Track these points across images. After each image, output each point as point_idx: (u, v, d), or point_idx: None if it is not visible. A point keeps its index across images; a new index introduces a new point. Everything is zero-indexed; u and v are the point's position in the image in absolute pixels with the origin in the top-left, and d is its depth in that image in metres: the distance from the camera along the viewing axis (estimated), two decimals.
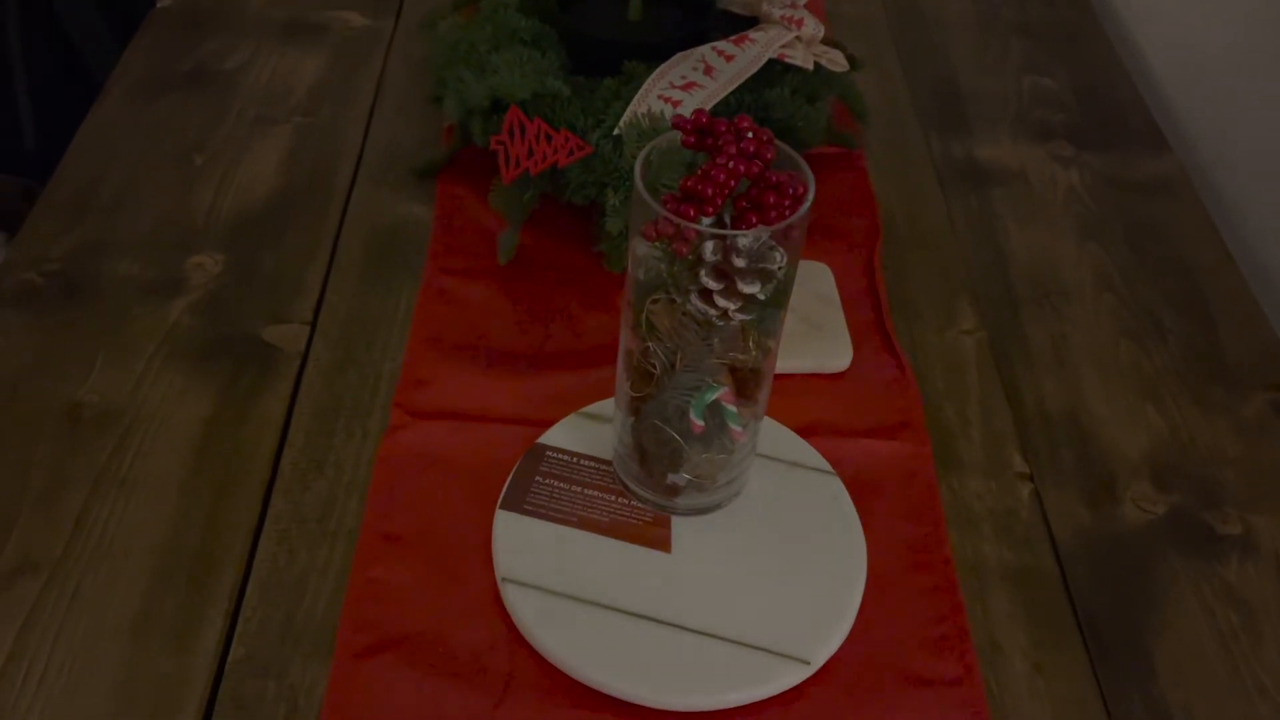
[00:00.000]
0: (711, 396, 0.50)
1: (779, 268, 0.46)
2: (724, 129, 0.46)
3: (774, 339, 0.51)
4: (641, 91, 0.69)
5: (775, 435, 0.61)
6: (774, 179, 0.45)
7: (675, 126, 0.47)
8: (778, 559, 0.55)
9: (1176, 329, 0.71)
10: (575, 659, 0.51)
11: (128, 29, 0.93)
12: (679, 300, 0.48)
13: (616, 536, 0.56)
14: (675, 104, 0.68)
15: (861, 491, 0.59)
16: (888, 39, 0.95)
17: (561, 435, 0.60)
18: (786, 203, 0.45)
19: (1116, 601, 0.56)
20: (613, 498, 0.57)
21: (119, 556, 0.55)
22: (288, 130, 0.81)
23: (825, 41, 0.76)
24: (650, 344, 0.50)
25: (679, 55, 0.72)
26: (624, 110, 0.68)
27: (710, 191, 0.44)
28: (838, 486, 0.59)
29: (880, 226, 0.76)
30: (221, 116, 0.82)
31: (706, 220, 0.45)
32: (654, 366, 0.50)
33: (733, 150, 0.45)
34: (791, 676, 0.51)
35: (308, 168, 0.78)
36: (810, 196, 0.46)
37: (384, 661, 0.51)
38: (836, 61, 0.75)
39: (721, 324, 0.48)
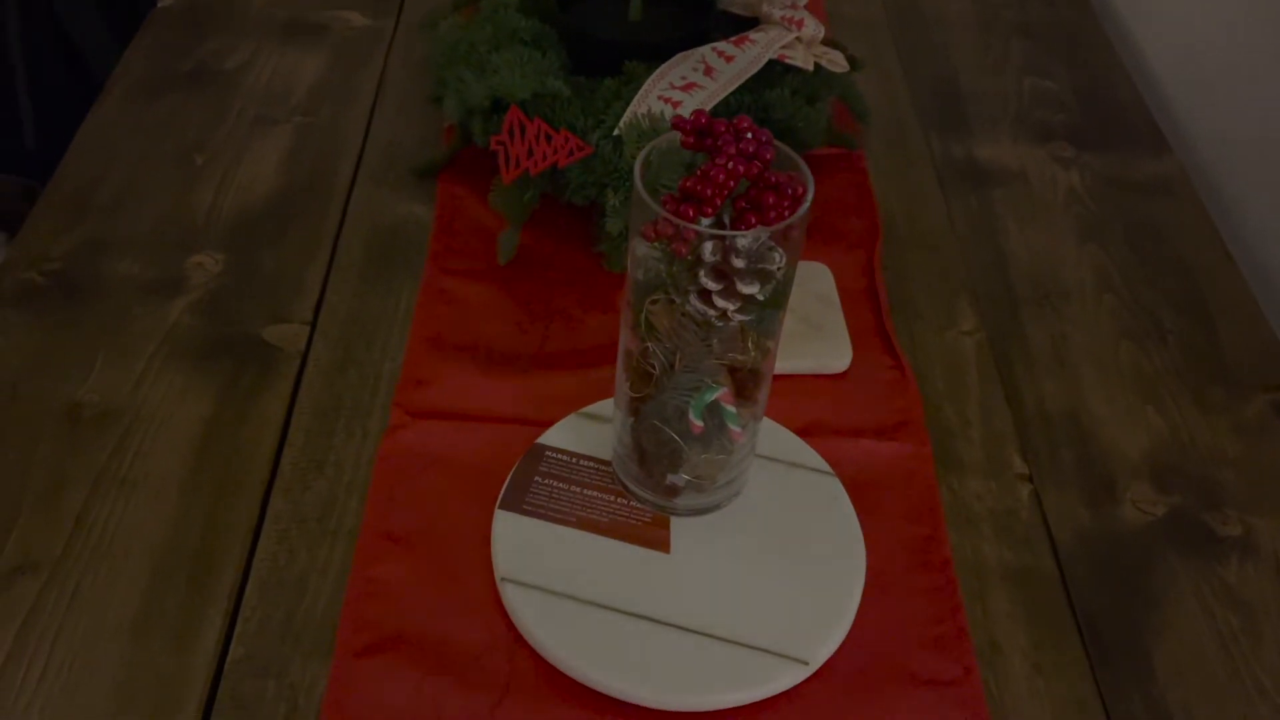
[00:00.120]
0: (711, 397, 0.50)
1: (778, 268, 0.46)
2: (723, 129, 0.46)
3: (773, 339, 0.51)
4: (641, 92, 0.69)
5: (775, 436, 0.61)
6: (773, 179, 0.45)
7: (675, 127, 0.47)
8: (777, 559, 0.55)
9: (1176, 330, 0.71)
10: (574, 659, 0.51)
11: (128, 29, 0.93)
12: (678, 301, 0.48)
13: (616, 537, 0.56)
14: (675, 104, 0.68)
15: (861, 492, 0.59)
16: (888, 39, 0.95)
17: (561, 435, 0.60)
18: (786, 203, 0.45)
19: (1116, 602, 0.56)
20: (612, 498, 0.57)
21: (119, 556, 0.55)
22: (288, 130, 0.81)
23: (825, 42, 0.76)
24: (649, 344, 0.50)
25: (679, 56, 0.72)
26: (624, 111, 0.68)
27: (709, 192, 0.45)
28: (837, 487, 0.59)
29: (880, 227, 0.76)
30: (222, 116, 0.82)
31: (706, 221, 0.45)
32: (653, 367, 0.50)
33: (732, 151, 0.45)
34: (790, 677, 0.51)
35: (308, 167, 0.78)
36: (809, 197, 0.46)
37: (383, 661, 0.51)
38: (836, 62, 0.75)
39: (720, 324, 0.48)
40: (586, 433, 0.60)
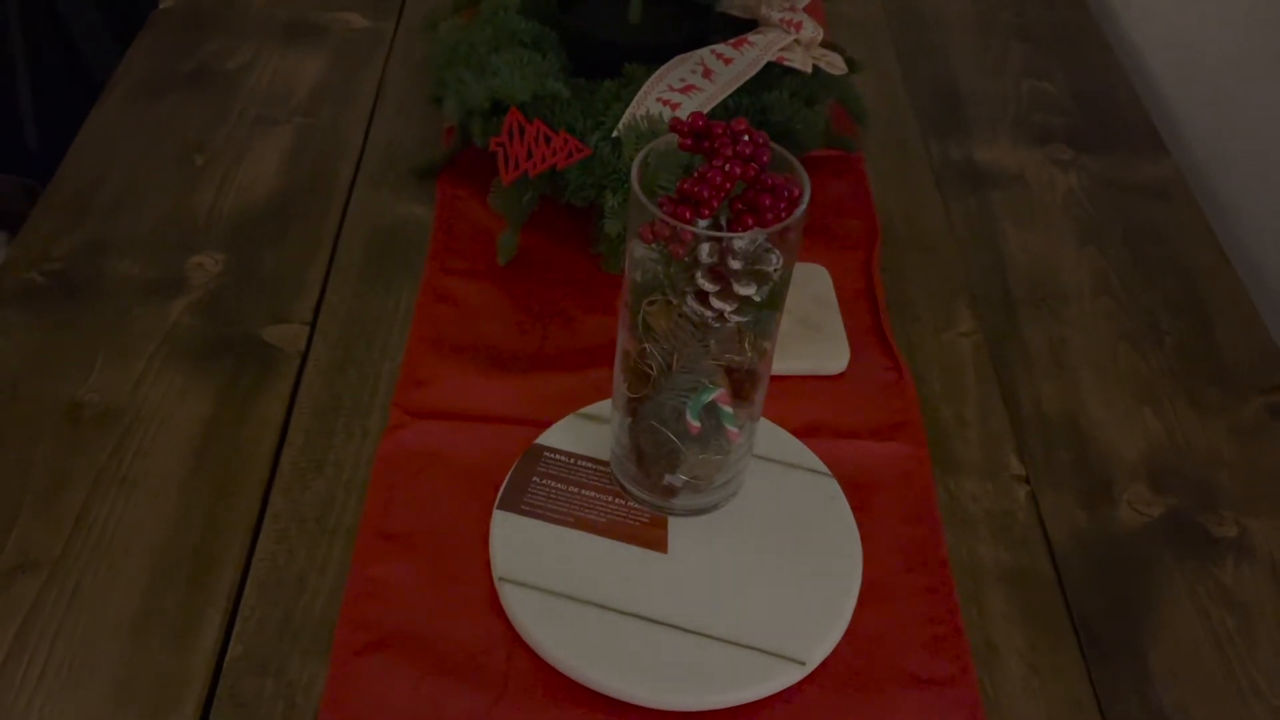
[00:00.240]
0: (708, 397, 0.51)
1: (775, 270, 0.46)
2: (720, 132, 0.46)
3: (770, 341, 0.51)
4: (640, 94, 0.69)
5: (772, 436, 0.61)
6: (770, 181, 0.45)
7: (672, 129, 0.47)
8: (774, 560, 0.56)
9: (1173, 332, 0.71)
10: (572, 658, 0.51)
11: (129, 30, 0.93)
12: (675, 302, 0.48)
13: (613, 537, 0.56)
14: (674, 106, 0.68)
15: (858, 493, 0.59)
16: (887, 41, 0.95)
17: (559, 436, 0.60)
18: (782, 205, 0.45)
19: (1112, 603, 0.57)
20: (610, 498, 0.57)
21: (119, 555, 0.55)
22: (289, 131, 0.82)
23: (824, 44, 0.77)
24: (647, 345, 0.50)
25: (678, 58, 0.72)
26: (623, 112, 0.68)
27: (706, 194, 0.45)
28: (834, 488, 0.59)
29: (879, 229, 0.76)
30: (223, 117, 0.83)
31: (703, 222, 0.46)
32: (651, 368, 0.51)
33: (729, 153, 0.45)
34: (787, 677, 0.51)
35: (308, 168, 0.79)
36: (805, 199, 0.46)
37: (382, 660, 0.52)
38: (835, 64, 0.75)
39: (718, 325, 0.48)
40: (585, 433, 0.60)
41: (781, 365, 0.64)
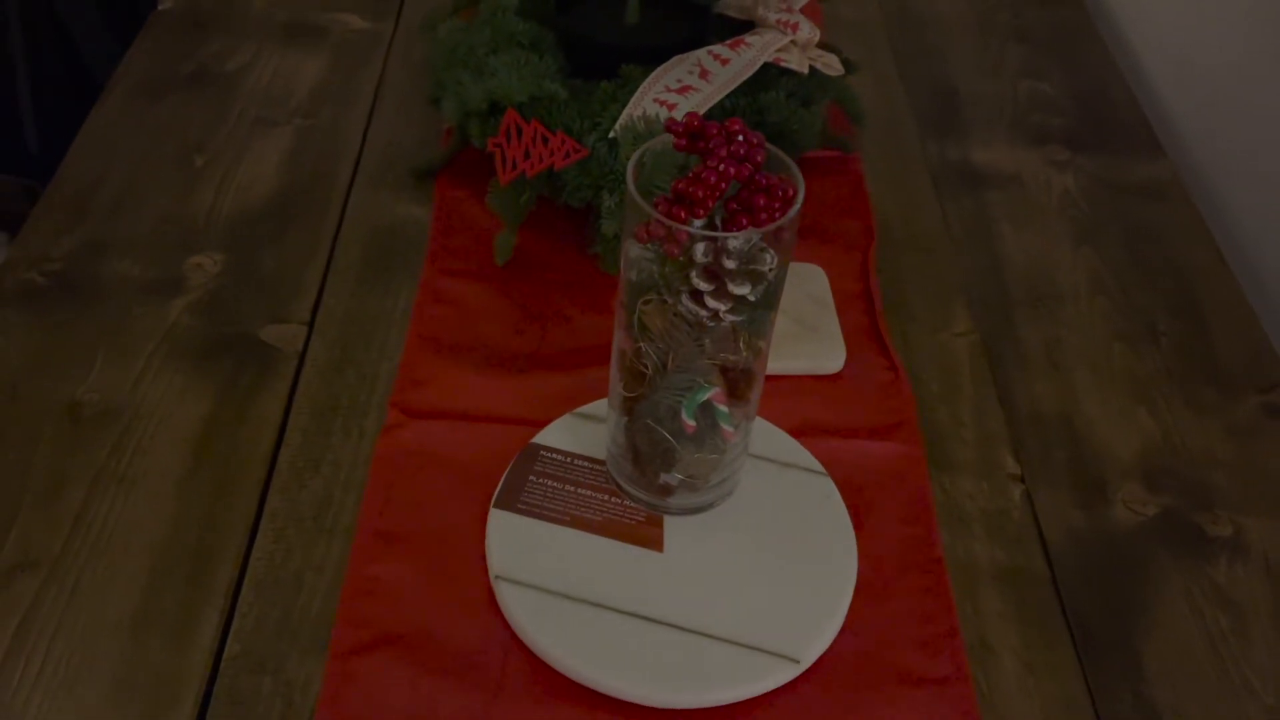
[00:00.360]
0: (703, 397, 0.51)
1: (769, 269, 0.47)
2: (715, 132, 0.46)
3: (765, 340, 0.51)
4: (637, 95, 0.69)
5: (768, 436, 0.61)
6: (764, 182, 0.46)
7: (667, 129, 0.48)
8: (769, 559, 0.56)
9: (1169, 332, 0.71)
10: (568, 656, 0.51)
11: (129, 31, 0.93)
12: (670, 301, 0.48)
13: (609, 535, 0.56)
14: (671, 107, 0.69)
15: (854, 492, 0.60)
16: (884, 42, 0.96)
17: (556, 435, 0.60)
18: (776, 205, 0.46)
19: (1107, 602, 0.57)
20: (606, 497, 0.58)
21: (118, 553, 0.56)
22: (288, 132, 0.82)
23: (820, 45, 0.77)
24: (643, 344, 0.50)
25: (675, 59, 0.72)
26: (620, 113, 0.69)
27: (701, 194, 0.45)
28: (830, 487, 0.59)
29: (875, 229, 0.77)
30: (222, 118, 0.83)
31: (698, 222, 0.46)
32: (646, 367, 0.51)
33: (723, 153, 0.45)
34: (782, 675, 0.51)
35: (307, 169, 0.79)
36: (800, 199, 0.46)
37: (379, 658, 0.52)
38: (831, 65, 0.76)
39: (712, 325, 0.48)
40: (581, 432, 0.61)
41: (778, 365, 0.65)
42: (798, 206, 0.46)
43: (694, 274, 0.46)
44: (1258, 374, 0.69)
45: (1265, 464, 0.64)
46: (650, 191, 0.47)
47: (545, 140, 0.68)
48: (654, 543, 0.56)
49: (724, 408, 0.52)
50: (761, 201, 0.45)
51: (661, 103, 0.69)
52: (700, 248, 0.46)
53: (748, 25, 0.77)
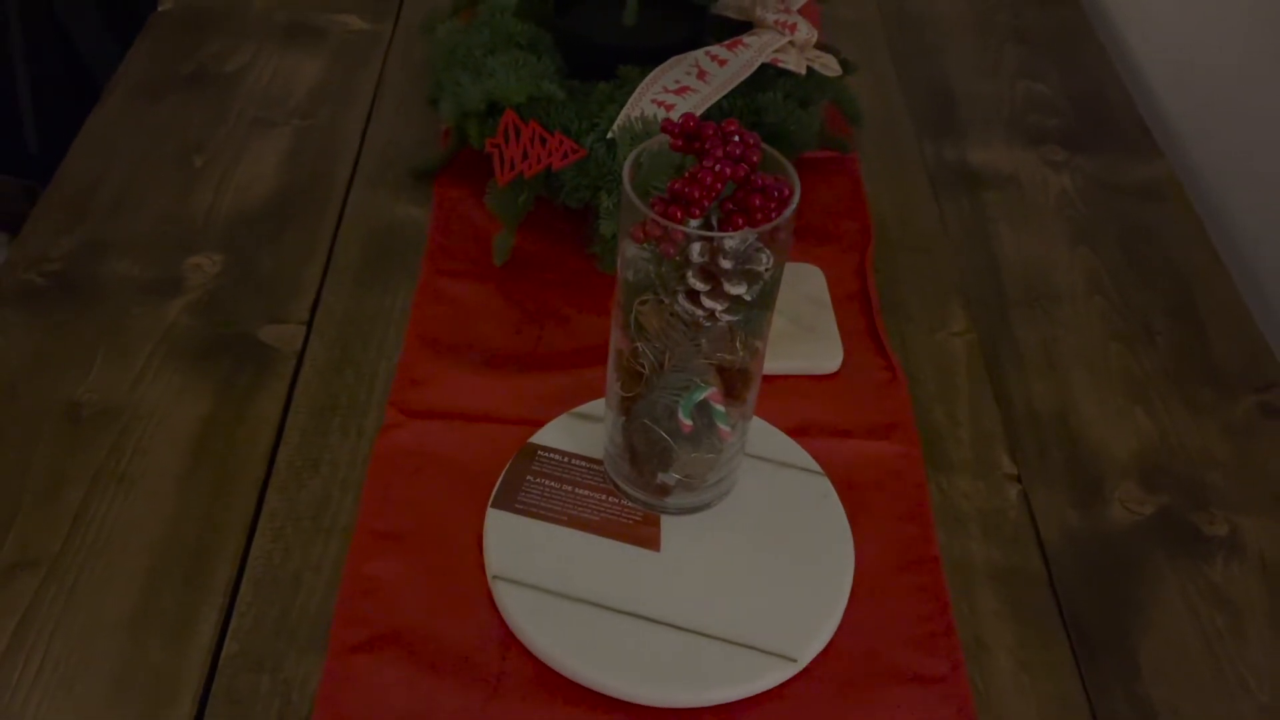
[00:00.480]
0: (699, 396, 0.51)
1: (765, 269, 0.47)
2: (711, 133, 0.47)
3: (761, 339, 0.51)
4: (635, 95, 0.70)
5: (765, 436, 0.61)
6: (760, 182, 0.46)
7: (663, 130, 0.48)
8: (766, 558, 0.56)
9: (1166, 332, 0.71)
10: (565, 656, 0.51)
11: (129, 31, 0.93)
12: (667, 301, 0.48)
13: (607, 535, 0.56)
14: (668, 108, 0.69)
15: (851, 491, 0.60)
16: (882, 43, 0.96)
17: (553, 435, 0.61)
18: (772, 205, 0.46)
19: (1102, 601, 0.57)
20: (603, 497, 0.58)
21: (116, 552, 0.56)
22: (287, 132, 0.82)
23: (818, 46, 0.77)
24: (639, 344, 0.51)
25: (673, 60, 0.72)
26: (618, 114, 0.69)
27: (697, 194, 0.45)
28: (826, 486, 0.59)
29: (872, 230, 0.77)
30: (221, 118, 0.83)
31: (694, 222, 0.46)
32: (643, 366, 0.51)
33: (719, 154, 0.46)
34: (779, 674, 0.52)
35: (306, 169, 0.79)
36: (795, 199, 0.46)
37: (377, 657, 0.52)
38: (829, 66, 0.76)
39: (709, 325, 0.48)
40: (579, 432, 0.61)
41: (775, 365, 0.65)
42: (793, 207, 0.46)
43: (690, 274, 0.46)
44: (1254, 374, 0.69)
45: (1261, 464, 0.64)
46: (647, 192, 0.47)
47: (543, 141, 0.68)
48: (651, 542, 0.56)
49: (720, 407, 0.52)
50: (757, 202, 0.46)
51: (659, 103, 0.69)
52: (696, 248, 0.46)
53: (745, 26, 0.77)
